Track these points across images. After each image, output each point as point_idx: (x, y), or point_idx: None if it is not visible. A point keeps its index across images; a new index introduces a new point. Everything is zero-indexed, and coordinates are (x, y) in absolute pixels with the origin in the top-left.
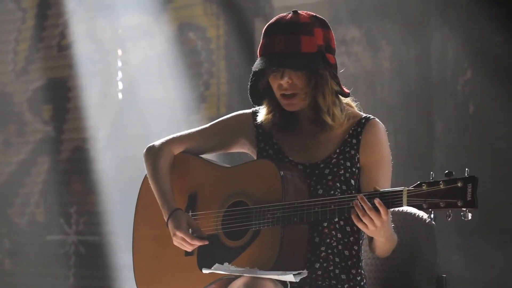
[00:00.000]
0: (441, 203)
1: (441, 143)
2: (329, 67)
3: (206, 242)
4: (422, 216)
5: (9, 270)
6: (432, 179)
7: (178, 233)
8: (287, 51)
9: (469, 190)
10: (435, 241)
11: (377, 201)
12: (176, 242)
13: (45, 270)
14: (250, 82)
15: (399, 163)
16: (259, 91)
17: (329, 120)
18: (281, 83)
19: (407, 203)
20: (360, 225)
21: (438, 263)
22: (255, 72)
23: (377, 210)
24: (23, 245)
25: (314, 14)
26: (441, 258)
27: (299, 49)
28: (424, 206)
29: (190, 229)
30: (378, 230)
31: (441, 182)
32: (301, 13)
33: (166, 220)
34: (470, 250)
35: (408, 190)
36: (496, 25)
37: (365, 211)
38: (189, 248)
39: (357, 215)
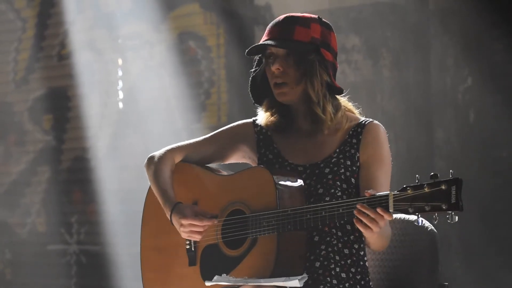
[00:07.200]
0: (426, 207)
1: (441, 151)
2: (321, 59)
3: (216, 221)
4: (424, 224)
5: (10, 280)
6: (417, 182)
7: (184, 221)
8: (279, 37)
9: (453, 192)
10: (437, 249)
11: (380, 210)
12: (185, 233)
13: (46, 280)
14: (252, 73)
15: (399, 171)
16: (260, 90)
17: (319, 111)
18: (272, 70)
19: (394, 207)
20: (364, 230)
21: (440, 271)
22: (254, 67)
23: (380, 213)
24: (24, 255)
25: (319, 17)
26: (442, 266)
27: (292, 36)
28: (410, 210)
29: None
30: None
31: (425, 186)
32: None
33: (169, 217)
34: (472, 258)
35: (394, 194)
36: (496, 32)
37: (370, 217)
38: (199, 236)
39: (361, 222)
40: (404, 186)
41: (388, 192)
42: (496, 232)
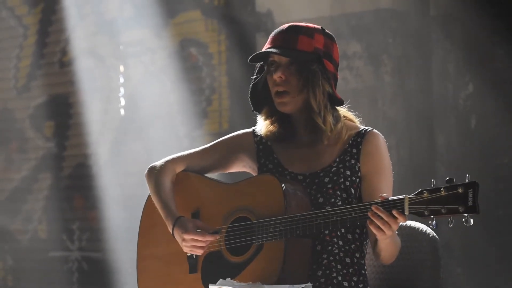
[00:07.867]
0: (442, 210)
1: (443, 157)
2: (324, 70)
3: (218, 237)
4: (426, 230)
5: (12, 287)
6: (433, 186)
7: (187, 236)
8: (283, 46)
9: (470, 195)
10: (439, 255)
11: (395, 212)
12: (187, 247)
13: (48, 287)
14: (252, 81)
15: (401, 177)
16: (260, 98)
17: (320, 121)
18: (274, 78)
19: (409, 210)
20: (377, 232)
21: (441, 277)
22: (255, 74)
23: (394, 216)
24: (25, 262)
25: (323, 27)
26: (444, 272)
27: (295, 46)
28: (426, 213)
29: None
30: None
31: (442, 189)
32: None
33: (171, 231)
34: (473, 264)
35: (409, 197)
36: (497, 38)
37: (383, 219)
38: (201, 250)
39: (375, 224)
40: (420, 189)
41: (404, 195)
42: (497, 238)
